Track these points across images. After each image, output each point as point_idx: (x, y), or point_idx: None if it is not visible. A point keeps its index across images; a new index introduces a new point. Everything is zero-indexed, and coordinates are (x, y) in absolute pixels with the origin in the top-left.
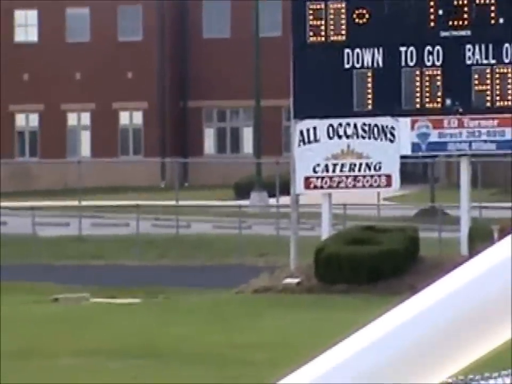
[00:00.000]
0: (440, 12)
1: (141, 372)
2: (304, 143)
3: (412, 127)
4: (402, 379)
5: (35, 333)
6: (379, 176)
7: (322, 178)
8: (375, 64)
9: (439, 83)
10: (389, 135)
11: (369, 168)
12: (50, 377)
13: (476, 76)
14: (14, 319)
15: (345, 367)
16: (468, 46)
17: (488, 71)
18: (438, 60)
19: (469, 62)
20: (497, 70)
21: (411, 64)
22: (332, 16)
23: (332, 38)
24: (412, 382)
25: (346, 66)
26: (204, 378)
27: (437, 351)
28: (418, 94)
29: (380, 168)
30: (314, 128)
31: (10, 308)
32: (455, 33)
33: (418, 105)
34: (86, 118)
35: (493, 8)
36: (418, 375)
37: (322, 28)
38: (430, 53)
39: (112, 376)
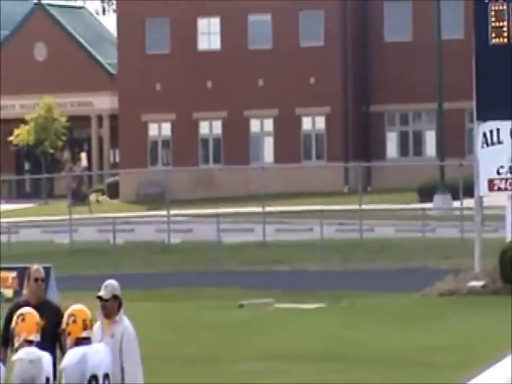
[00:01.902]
0: None
1: (326, 375)
2: (487, 145)
3: None
4: None
5: (221, 338)
6: None
7: (506, 180)
8: None
9: None
10: None
11: None
12: (236, 382)
13: None
14: (200, 325)
15: None
16: None
17: None
18: None
19: None
20: None
21: None
22: None
23: None
24: None
25: None
26: (388, 382)
27: None
28: None
29: None
30: (498, 130)
31: (196, 313)
32: None
33: None
34: (269, 124)
35: None
36: None
37: (505, 29)
38: None
39: (298, 380)
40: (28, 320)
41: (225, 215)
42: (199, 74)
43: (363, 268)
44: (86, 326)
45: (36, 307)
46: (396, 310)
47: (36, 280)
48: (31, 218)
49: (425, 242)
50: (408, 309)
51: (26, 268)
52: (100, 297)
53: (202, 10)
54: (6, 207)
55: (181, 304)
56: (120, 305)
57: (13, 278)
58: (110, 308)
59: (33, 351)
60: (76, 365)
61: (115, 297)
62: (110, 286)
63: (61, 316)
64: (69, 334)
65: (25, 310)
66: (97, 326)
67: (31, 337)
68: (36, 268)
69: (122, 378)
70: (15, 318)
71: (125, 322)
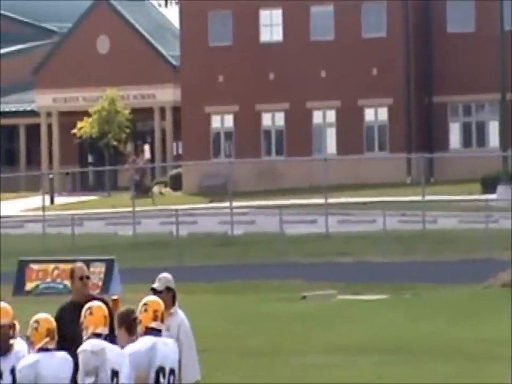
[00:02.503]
0: None
1: (389, 368)
2: None
3: None
4: None
5: (283, 330)
6: None
7: None
8: None
9: None
10: None
11: None
12: (298, 374)
13: None
14: (262, 317)
15: None
16: None
17: None
18: None
19: None
20: None
21: None
22: None
23: None
24: None
25: None
26: (452, 374)
27: None
28: None
29: None
30: None
31: (259, 306)
32: None
33: None
34: (331, 116)
35: None
36: None
37: None
38: None
39: (361, 372)
40: (96, 313)
41: (288, 207)
42: (262, 66)
43: (426, 260)
44: (157, 317)
45: (82, 305)
46: (459, 302)
47: (81, 278)
48: (95, 210)
49: (489, 233)
50: (471, 301)
51: (90, 260)
52: (153, 289)
53: (264, 2)
54: (69, 199)
55: (244, 296)
56: (174, 298)
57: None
58: (164, 300)
59: (97, 343)
60: (145, 352)
61: (169, 289)
62: (164, 278)
63: (109, 310)
64: (140, 322)
65: (93, 303)
66: None
67: (99, 330)
68: (80, 265)
69: (179, 371)
70: (83, 312)
71: (180, 314)
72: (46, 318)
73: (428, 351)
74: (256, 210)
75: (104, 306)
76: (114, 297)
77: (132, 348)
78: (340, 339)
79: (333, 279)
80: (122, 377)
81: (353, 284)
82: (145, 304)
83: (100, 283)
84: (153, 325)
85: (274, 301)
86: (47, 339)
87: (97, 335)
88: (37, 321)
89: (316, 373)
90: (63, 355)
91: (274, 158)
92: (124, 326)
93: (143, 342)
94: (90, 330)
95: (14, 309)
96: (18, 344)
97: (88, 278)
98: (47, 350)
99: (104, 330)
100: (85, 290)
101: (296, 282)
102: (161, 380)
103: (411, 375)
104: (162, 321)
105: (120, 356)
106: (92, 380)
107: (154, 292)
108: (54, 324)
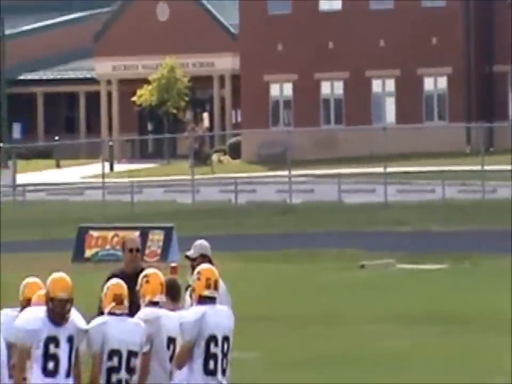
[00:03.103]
0: None
1: (447, 337)
2: None
3: None
4: None
5: (341, 299)
6: None
7: None
8: None
9: None
10: None
11: None
12: (353, 343)
13: None
14: (321, 286)
15: None
16: None
17: None
18: None
19: None
20: None
21: None
22: None
23: None
24: None
25: None
26: (509, 344)
27: None
28: None
29: None
30: None
31: (316, 274)
32: None
33: None
34: (390, 85)
35: None
36: None
37: None
38: None
39: (419, 342)
40: (152, 282)
41: (346, 176)
42: (321, 35)
43: (485, 229)
44: (209, 285)
45: (132, 276)
46: None
47: (131, 250)
48: (154, 178)
49: None
50: None
51: (149, 228)
52: (187, 257)
53: None
54: (128, 167)
55: (301, 265)
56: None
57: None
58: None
59: (151, 311)
60: (194, 322)
61: (203, 256)
62: (198, 245)
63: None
64: (193, 290)
65: (150, 271)
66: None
67: (156, 299)
68: (131, 237)
69: None
70: (139, 280)
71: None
72: (115, 284)
73: (486, 321)
74: (315, 179)
75: (160, 274)
76: (173, 264)
77: (182, 317)
78: (398, 308)
79: (391, 248)
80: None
81: (412, 253)
82: (198, 272)
83: (159, 251)
84: (206, 293)
85: (332, 270)
86: (114, 304)
87: (155, 303)
88: (106, 287)
89: (374, 343)
90: (135, 321)
91: (333, 127)
92: (168, 295)
93: (193, 312)
94: (148, 298)
95: (73, 275)
96: (75, 313)
97: (138, 250)
98: (114, 314)
99: (162, 298)
100: (134, 262)
101: (354, 251)
102: (213, 348)
103: (468, 346)
104: (215, 289)
105: (176, 322)
106: (147, 348)
107: (188, 259)
108: (121, 290)
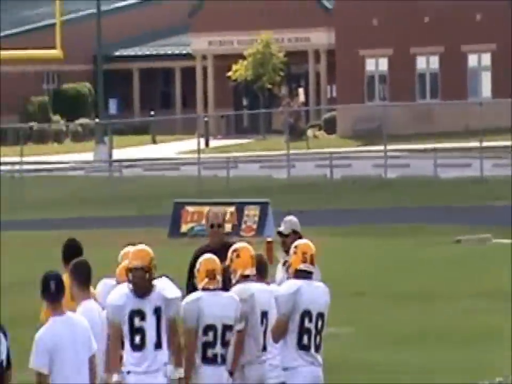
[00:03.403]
0: None
1: None
2: None
3: None
4: None
5: (437, 275)
6: None
7: None
8: None
9: None
10: None
11: None
12: (450, 319)
13: None
14: (416, 261)
15: None
16: None
17: None
18: None
19: None
20: None
21: None
22: None
23: None
24: None
25: None
26: None
27: None
28: None
29: None
30: None
31: (412, 250)
32: None
33: None
34: (486, 59)
35: None
36: None
37: None
38: None
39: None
40: (243, 255)
41: (442, 150)
42: (416, 9)
43: None
44: (306, 259)
45: (216, 251)
46: None
47: (212, 226)
48: (249, 153)
49: None
50: None
51: (245, 203)
52: (280, 233)
53: None
54: (224, 142)
55: (397, 240)
56: None
57: (231, 213)
58: (290, 243)
59: (245, 289)
60: (289, 295)
61: (295, 232)
62: (290, 221)
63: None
64: (290, 265)
65: (239, 245)
66: (280, 264)
67: (247, 272)
68: (214, 212)
69: None
70: (229, 255)
71: None
72: (207, 259)
73: None
74: (410, 154)
75: (250, 247)
76: (269, 239)
77: (277, 290)
78: (494, 283)
79: (487, 223)
80: (271, 317)
81: (509, 228)
82: (295, 246)
83: (254, 226)
84: (302, 267)
85: (428, 245)
86: (207, 279)
87: (246, 277)
88: (199, 263)
89: (469, 319)
90: (229, 295)
91: (429, 101)
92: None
93: (289, 285)
94: (239, 272)
95: (169, 250)
96: (162, 283)
97: (220, 226)
98: (208, 290)
99: (253, 271)
100: (215, 237)
101: (450, 226)
102: (307, 324)
103: None
104: (312, 263)
105: (269, 296)
106: (241, 326)
107: (281, 235)
108: (214, 265)
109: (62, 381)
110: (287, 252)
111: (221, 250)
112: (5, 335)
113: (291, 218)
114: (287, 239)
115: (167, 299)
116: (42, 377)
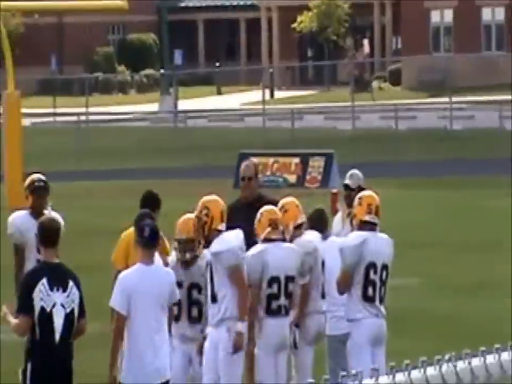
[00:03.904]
0: None
1: None
2: None
3: None
4: None
5: (499, 226)
6: None
7: None
8: None
9: None
10: None
11: None
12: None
13: None
14: (481, 212)
15: None
16: None
17: None
18: None
19: None
20: None
21: None
22: None
23: None
24: None
25: None
26: None
27: None
28: None
29: None
30: None
31: (475, 201)
32: None
33: None
34: None
35: None
36: None
37: None
38: None
39: None
40: (290, 209)
41: (507, 102)
42: None
43: None
44: (371, 210)
45: (249, 204)
46: None
47: (243, 179)
48: (314, 105)
49: None
50: None
51: (310, 154)
52: (347, 186)
53: None
54: (289, 93)
55: (460, 192)
56: None
57: (296, 164)
58: (354, 197)
59: (309, 242)
60: (354, 246)
61: (360, 189)
62: (356, 175)
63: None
64: (354, 216)
65: (284, 200)
66: (338, 217)
67: (299, 221)
68: (245, 165)
69: None
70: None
71: None
72: (268, 210)
73: None
74: (475, 106)
75: (294, 199)
76: (334, 190)
77: (342, 242)
78: None
79: None
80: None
81: None
82: (360, 198)
83: (319, 177)
84: (367, 218)
85: (492, 197)
86: (269, 229)
87: (300, 226)
88: (260, 213)
89: None
90: (290, 246)
91: (495, 53)
92: (315, 224)
93: (354, 236)
94: (291, 226)
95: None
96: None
97: (250, 179)
98: (270, 240)
99: (303, 218)
100: (246, 191)
101: (508, 178)
102: (372, 275)
103: None
104: (377, 214)
105: (329, 247)
106: (307, 279)
107: (348, 188)
108: (276, 215)
109: (138, 328)
110: (349, 205)
111: (253, 204)
112: (77, 284)
113: (358, 173)
114: (353, 193)
115: (213, 253)
116: (119, 317)
